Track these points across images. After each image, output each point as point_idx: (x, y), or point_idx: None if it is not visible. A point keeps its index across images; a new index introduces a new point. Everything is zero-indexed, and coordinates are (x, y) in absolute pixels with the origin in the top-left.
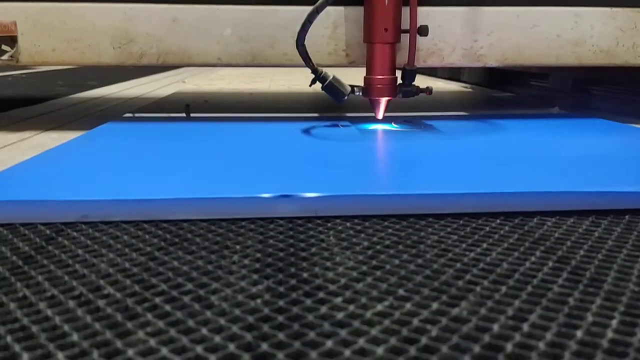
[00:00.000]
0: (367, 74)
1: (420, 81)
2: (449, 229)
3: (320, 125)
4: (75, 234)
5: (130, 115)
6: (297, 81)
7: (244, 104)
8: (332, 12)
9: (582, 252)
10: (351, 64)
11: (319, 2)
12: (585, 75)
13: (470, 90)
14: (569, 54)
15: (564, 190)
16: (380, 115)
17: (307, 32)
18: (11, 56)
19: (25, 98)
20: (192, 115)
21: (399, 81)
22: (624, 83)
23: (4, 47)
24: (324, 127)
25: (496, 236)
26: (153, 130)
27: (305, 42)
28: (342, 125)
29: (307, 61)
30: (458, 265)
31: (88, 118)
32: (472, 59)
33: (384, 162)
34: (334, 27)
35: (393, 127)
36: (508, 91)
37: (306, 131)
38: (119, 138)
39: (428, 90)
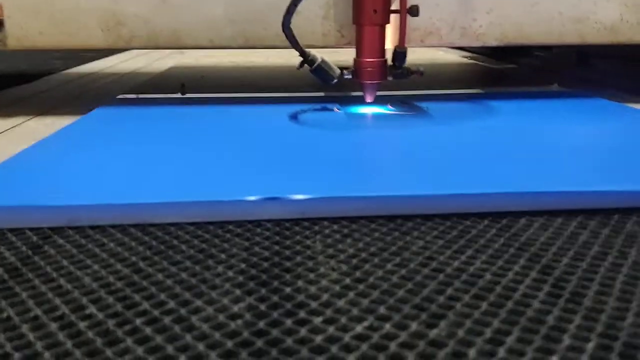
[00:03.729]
0: (356, 56)
1: (422, 51)
2: (435, 233)
3: (312, 109)
4: (61, 241)
5: (123, 97)
6: (295, 53)
7: (240, 80)
8: None
9: (565, 260)
10: (347, 44)
11: None
12: (589, 47)
13: (470, 61)
14: (572, 32)
15: (551, 190)
16: (370, 99)
17: (292, 14)
18: None
19: (20, 74)
20: (187, 94)
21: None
22: (628, 56)
23: None
24: (315, 111)
25: (482, 241)
26: (143, 117)
27: (299, 23)
28: (337, 109)
29: (295, 44)
30: (441, 276)
31: (82, 99)
32: (471, 39)
33: (371, 157)
34: (328, 7)
35: (387, 109)
36: (510, 62)
37: (297, 117)
38: (108, 127)
39: (419, 72)
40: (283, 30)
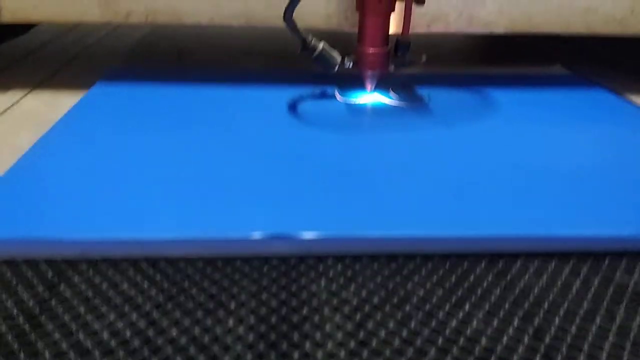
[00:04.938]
0: (358, 44)
1: None
2: (434, 278)
3: (311, 97)
4: (76, 278)
5: (119, 68)
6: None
7: (234, 39)
8: None
9: (557, 322)
10: (353, 27)
11: None
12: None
13: None
14: (580, 22)
15: (546, 235)
16: (370, 88)
17: (295, 6)
18: None
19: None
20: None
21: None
22: None
23: None
24: (315, 98)
25: (479, 291)
26: (140, 106)
27: (303, 3)
28: (337, 94)
29: (296, 33)
30: (439, 341)
31: (78, 63)
32: (478, 26)
33: (371, 179)
34: None
35: (388, 97)
36: None
37: (296, 108)
38: (107, 126)
39: (421, 61)
40: (284, 20)
